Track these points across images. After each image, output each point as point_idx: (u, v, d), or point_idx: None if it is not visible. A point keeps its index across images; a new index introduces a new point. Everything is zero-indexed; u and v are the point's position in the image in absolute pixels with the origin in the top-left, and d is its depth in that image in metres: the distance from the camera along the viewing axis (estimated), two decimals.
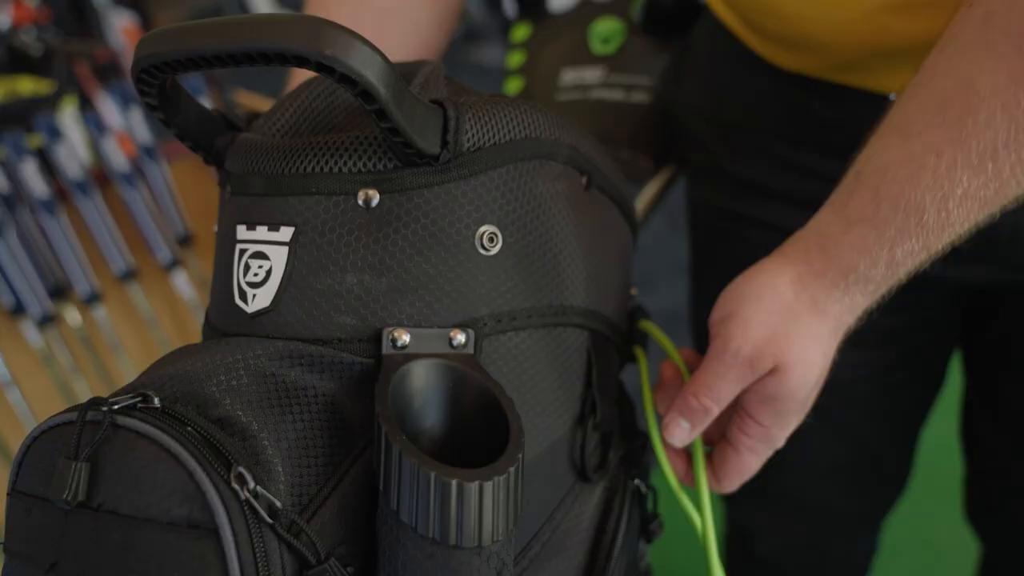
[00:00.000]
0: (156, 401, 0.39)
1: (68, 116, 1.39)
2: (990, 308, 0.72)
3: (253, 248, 0.45)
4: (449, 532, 0.36)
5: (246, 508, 0.36)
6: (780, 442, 0.54)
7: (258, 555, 0.36)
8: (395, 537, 0.38)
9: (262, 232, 0.44)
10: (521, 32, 1.07)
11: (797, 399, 0.51)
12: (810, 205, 0.51)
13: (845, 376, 0.75)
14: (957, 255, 0.59)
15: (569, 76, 1.00)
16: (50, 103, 1.41)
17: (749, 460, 0.54)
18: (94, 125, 1.39)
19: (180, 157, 1.45)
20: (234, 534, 0.35)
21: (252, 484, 0.36)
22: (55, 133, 1.35)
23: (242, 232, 0.45)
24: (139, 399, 0.38)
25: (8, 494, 0.40)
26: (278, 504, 0.37)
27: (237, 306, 0.44)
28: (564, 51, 1.05)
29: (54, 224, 1.35)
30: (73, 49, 1.51)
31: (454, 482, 0.36)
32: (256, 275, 0.44)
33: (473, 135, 0.43)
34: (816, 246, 0.49)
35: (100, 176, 1.41)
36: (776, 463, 0.85)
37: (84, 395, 1.40)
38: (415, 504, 0.37)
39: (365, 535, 0.41)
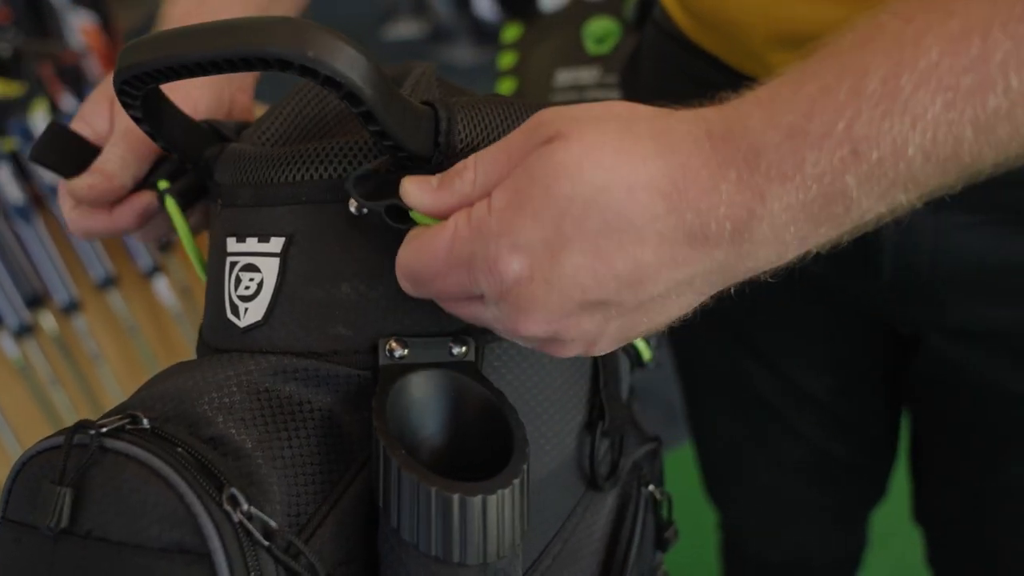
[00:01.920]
0: (145, 422, 0.38)
1: (40, 119, 1.38)
2: (914, 344, 0.71)
3: (243, 260, 0.44)
4: (452, 549, 0.36)
5: (239, 530, 0.35)
6: (489, 246, 0.35)
7: None
8: (397, 556, 0.38)
9: (252, 244, 0.44)
10: (512, 32, 1.07)
11: (543, 187, 0.34)
12: None
13: (800, 386, 0.76)
14: (881, 288, 0.58)
15: (564, 76, 1.01)
16: (21, 106, 1.40)
17: (435, 232, 0.38)
18: None
19: None
20: (228, 558, 0.35)
21: (245, 506, 0.35)
22: (29, 137, 1.34)
23: (232, 244, 0.45)
24: (128, 420, 0.38)
25: None
26: (273, 525, 0.36)
27: (229, 321, 0.44)
28: (557, 51, 1.05)
29: (30, 231, 1.34)
30: (41, 50, 1.49)
31: (456, 497, 0.36)
32: (247, 288, 0.43)
33: (466, 135, 0.43)
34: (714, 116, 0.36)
35: None
36: (748, 461, 0.86)
37: (63, 407, 1.39)
38: (416, 521, 0.36)
39: (365, 554, 0.40)
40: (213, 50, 0.38)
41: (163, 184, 0.52)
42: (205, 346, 0.47)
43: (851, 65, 0.33)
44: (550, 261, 0.34)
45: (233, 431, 0.39)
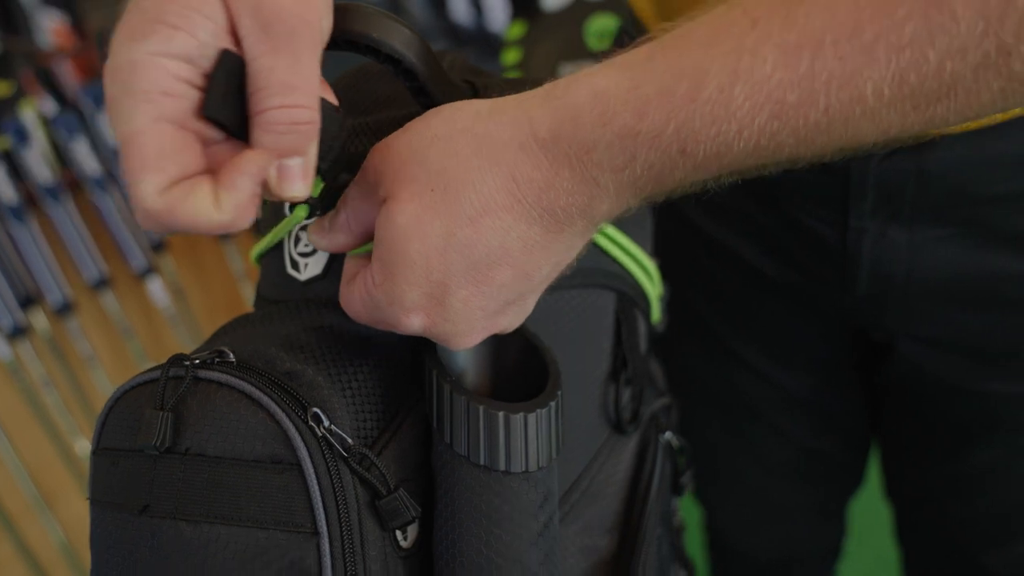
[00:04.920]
0: (231, 356, 0.46)
1: (30, 118, 1.44)
2: (885, 348, 0.78)
3: (304, 221, 0.52)
4: (499, 459, 0.44)
5: (322, 443, 0.43)
6: (388, 312, 0.43)
7: (336, 485, 0.43)
8: (451, 468, 0.46)
9: None
10: (516, 30, 1.16)
11: (399, 254, 0.41)
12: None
13: (782, 388, 0.84)
14: (857, 300, 0.64)
15: (567, 71, 1.09)
16: (11, 104, 1.46)
17: (351, 293, 0.46)
18: (64, 127, 1.45)
19: None
20: (314, 467, 0.43)
21: (327, 422, 0.43)
22: (23, 135, 1.41)
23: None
24: (216, 355, 0.46)
25: (93, 453, 0.47)
26: (350, 441, 0.44)
27: (289, 275, 0.52)
28: (560, 47, 1.14)
29: (24, 231, 1.40)
30: (23, 49, 1.55)
31: (501, 414, 0.44)
32: (307, 246, 0.52)
33: None
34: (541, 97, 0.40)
35: (71, 181, 1.46)
36: (735, 464, 0.95)
37: (56, 409, 1.45)
38: (467, 436, 0.44)
39: (422, 476, 0.48)
40: None
41: None
42: (264, 300, 0.55)
43: (691, 68, 0.36)
44: (440, 307, 0.42)
45: (306, 367, 0.47)
